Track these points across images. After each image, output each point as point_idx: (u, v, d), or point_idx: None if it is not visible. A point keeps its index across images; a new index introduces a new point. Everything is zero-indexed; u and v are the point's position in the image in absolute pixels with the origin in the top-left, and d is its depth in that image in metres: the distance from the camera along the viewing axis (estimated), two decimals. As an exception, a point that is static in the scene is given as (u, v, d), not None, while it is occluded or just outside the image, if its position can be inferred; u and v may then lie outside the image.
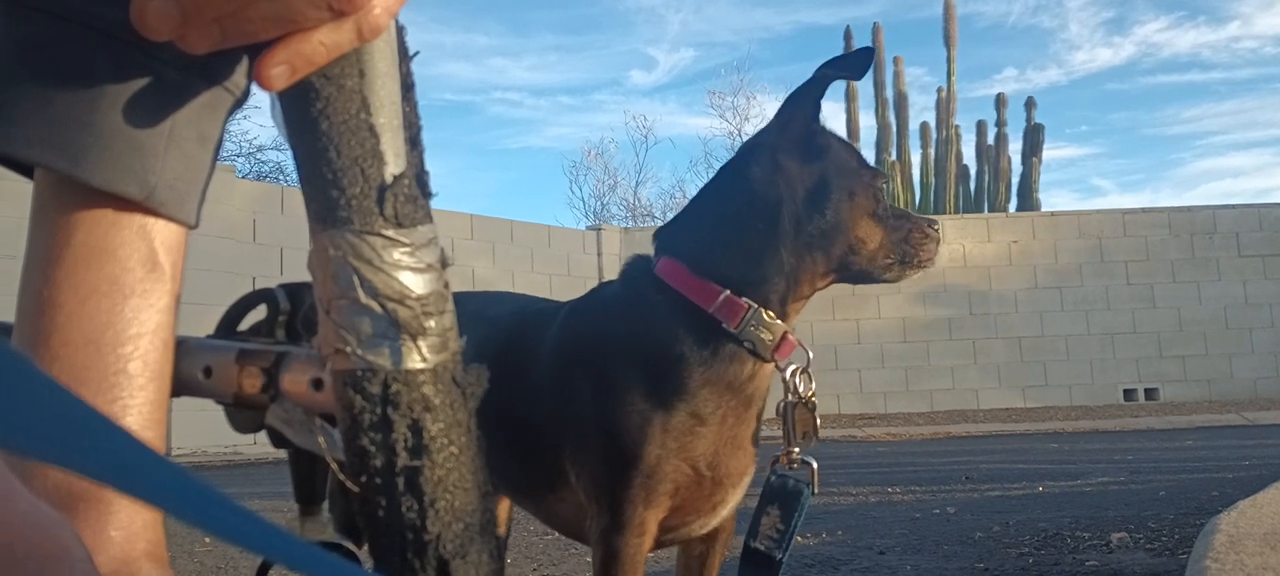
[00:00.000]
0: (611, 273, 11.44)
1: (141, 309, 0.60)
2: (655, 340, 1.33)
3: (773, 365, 1.34)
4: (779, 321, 1.33)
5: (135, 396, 0.59)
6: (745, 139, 1.51)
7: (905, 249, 1.42)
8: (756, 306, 1.32)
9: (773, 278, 1.35)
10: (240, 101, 0.67)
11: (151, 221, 0.61)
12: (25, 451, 0.29)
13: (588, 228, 12.00)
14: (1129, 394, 11.11)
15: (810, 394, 1.40)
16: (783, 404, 1.39)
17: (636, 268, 1.44)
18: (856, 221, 1.40)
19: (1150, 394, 11.11)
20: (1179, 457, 5.54)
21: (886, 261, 1.42)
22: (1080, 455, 6.03)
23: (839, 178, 1.40)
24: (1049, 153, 13.94)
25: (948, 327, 11.22)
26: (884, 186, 1.45)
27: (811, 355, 1.39)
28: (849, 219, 1.39)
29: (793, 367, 1.38)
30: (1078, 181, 36.75)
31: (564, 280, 10.60)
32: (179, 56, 0.57)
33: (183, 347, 0.67)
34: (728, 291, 1.32)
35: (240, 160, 17.38)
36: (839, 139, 1.46)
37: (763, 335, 1.32)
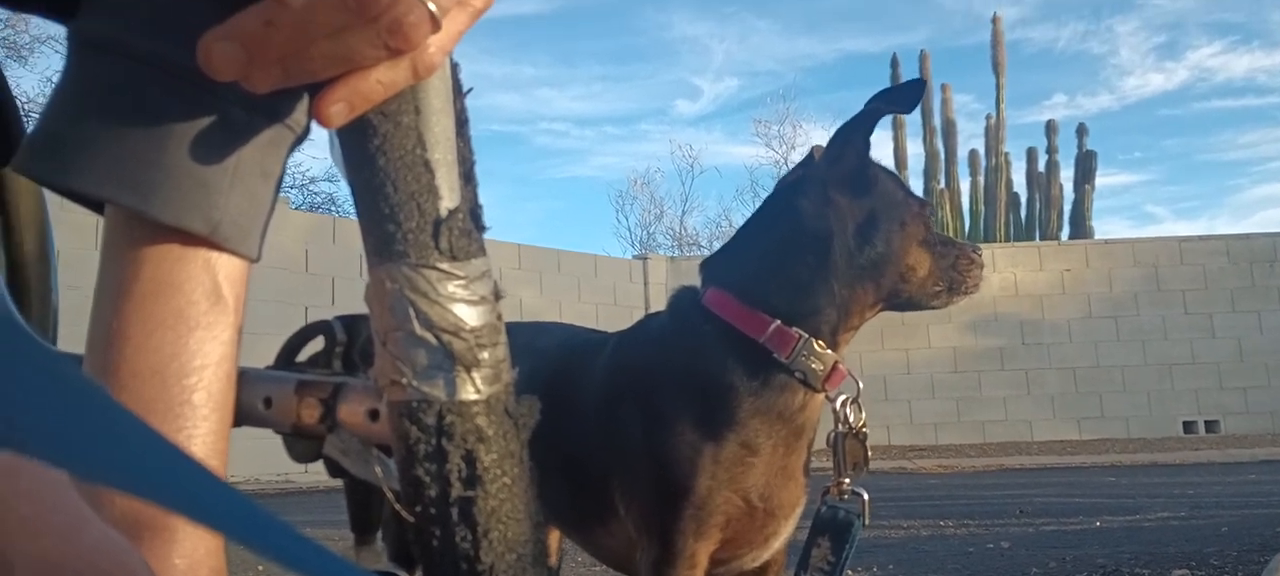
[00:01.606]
0: (658, 302, 11.46)
1: (206, 341, 0.62)
2: (705, 370, 1.33)
3: (823, 395, 1.34)
4: (830, 351, 1.33)
5: (199, 426, 0.61)
6: (789, 169, 1.52)
7: (953, 276, 1.43)
8: (807, 336, 1.32)
9: (824, 308, 1.35)
10: (301, 138, 0.68)
11: (216, 255, 0.63)
12: (102, 480, 0.30)
13: (634, 257, 12.04)
14: (1188, 426, 10.82)
15: (861, 424, 1.39)
16: (833, 434, 1.38)
17: (684, 299, 1.44)
18: (907, 251, 1.41)
19: (1211, 426, 10.81)
20: (1241, 492, 5.38)
21: (935, 288, 1.43)
22: (1138, 489, 5.88)
23: (889, 209, 1.40)
24: (1101, 179, 13.74)
25: (1000, 357, 11.04)
26: (931, 215, 1.46)
27: (861, 385, 1.39)
28: (900, 249, 1.40)
29: (842, 398, 1.38)
30: (1131, 209, 36.01)
31: (610, 309, 10.62)
32: (244, 96, 0.59)
33: (244, 378, 0.68)
34: (778, 321, 1.32)
35: (293, 191, 17.74)
36: (885, 170, 1.46)
37: (814, 365, 1.31)
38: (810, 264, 1.37)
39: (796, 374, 1.31)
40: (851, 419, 1.39)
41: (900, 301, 1.43)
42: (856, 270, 1.38)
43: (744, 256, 1.43)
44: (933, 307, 1.46)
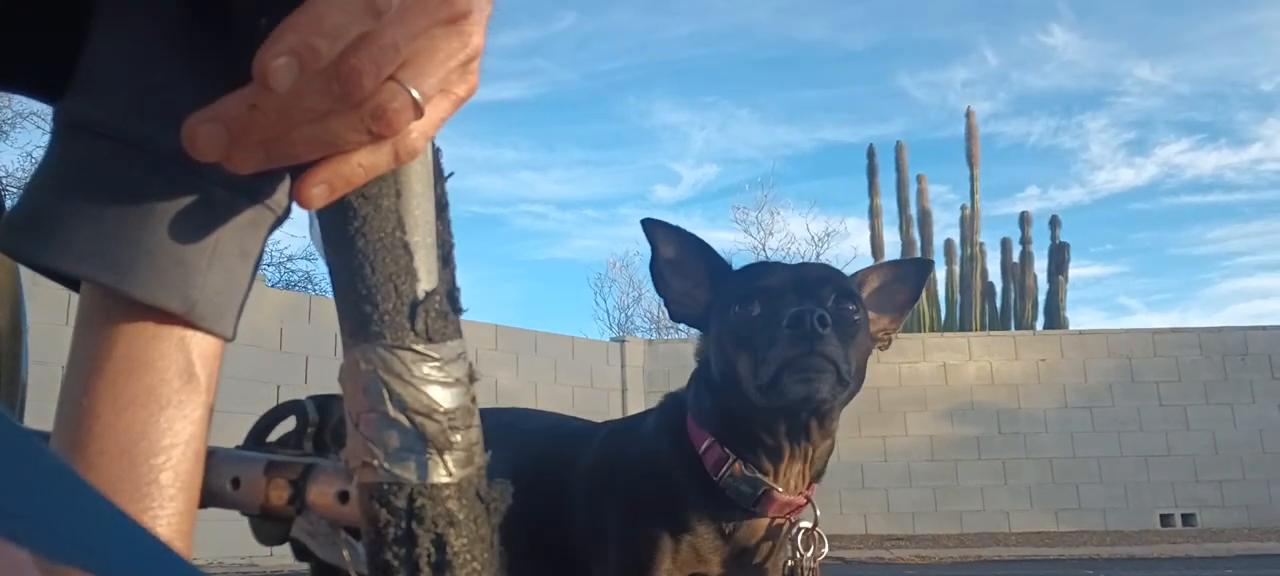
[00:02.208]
0: (635, 384, 11.41)
1: (176, 420, 0.61)
2: (668, 476, 1.35)
3: (768, 519, 1.32)
4: (760, 476, 1.30)
5: (165, 506, 0.60)
6: (769, 254, 1.54)
7: (773, 367, 1.25)
8: (733, 458, 1.31)
9: (735, 432, 1.33)
10: (281, 219, 0.69)
11: (190, 334, 0.63)
12: (66, 559, 0.30)
13: (611, 339, 11.99)
14: (1165, 519, 10.80)
15: (813, 557, 1.33)
16: (785, 567, 1.35)
17: (673, 401, 1.46)
18: (724, 357, 1.32)
19: (1187, 519, 10.79)
20: (1219, 586, 5.35)
21: (763, 383, 1.25)
22: (1116, 582, 5.84)
23: (715, 322, 1.38)
24: (1074, 271, 13.91)
25: (976, 446, 11.03)
26: (752, 306, 1.31)
27: (819, 513, 1.35)
28: (724, 356, 1.32)
29: (801, 527, 1.34)
30: (1104, 300, 36.37)
31: (587, 391, 10.56)
32: (226, 177, 0.59)
33: (212, 458, 0.68)
34: (711, 440, 1.33)
35: (270, 269, 17.67)
36: (731, 276, 1.40)
37: (742, 487, 1.30)
38: (709, 390, 1.38)
39: (728, 493, 1.30)
40: (808, 555, 1.33)
41: (776, 406, 1.28)
42: (725, 394, 1.33)
43: (699, 375, 1.45)
44: (802, 398, 1.25)
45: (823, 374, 1.22)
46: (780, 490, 1.30)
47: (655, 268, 1.42)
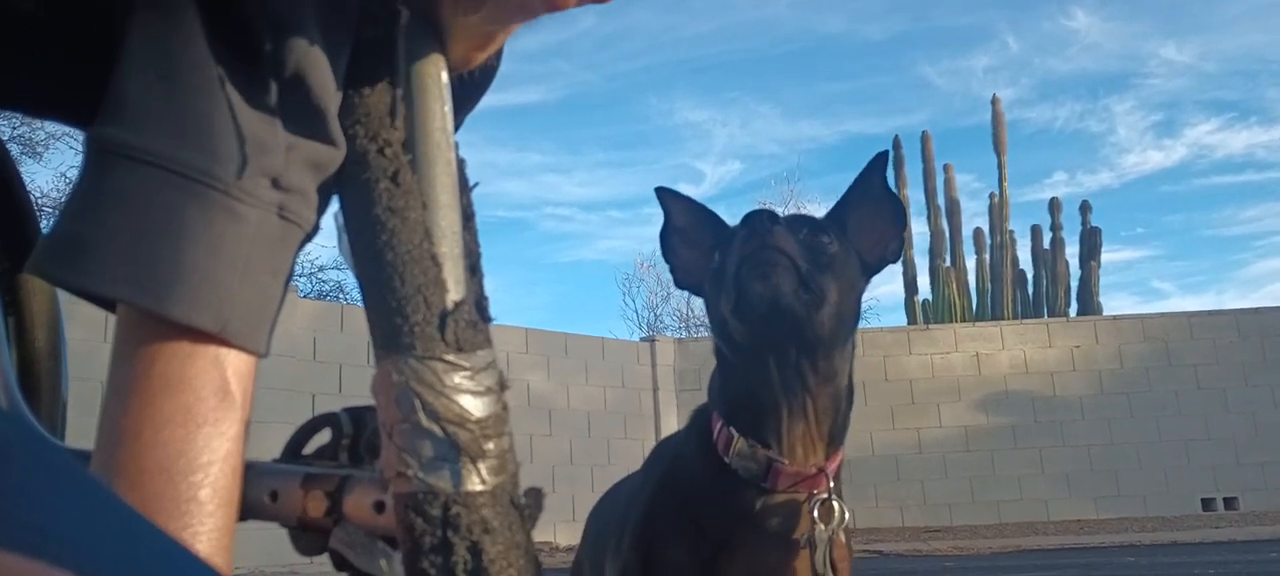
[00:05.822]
0: (666, 383, 11.41)
1: (213, 437, 0.62)
2: (684, 466, 1.38)
3: (791, 498, 1.29)
4: (764, 450, 1.27)
5: (205, 523, 0.61)
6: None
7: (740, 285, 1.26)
8: (736, 434, 1.29)
9: (734, 402, 1.32)
10: (310, 235, 0.70)
11: (225, 352, 0.64)
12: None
13: (641, 339, 11.99)
14: (1207, 503, 10.65)
15: (828, 532, 1.27)
16: (803, 538, 1.30)
17: (699, 409, 1.46)
18: (710, 301, 1.35)
19: (1229, 503, 10.63)
20: (1266, 571, 5.27)
21: (736, 278, 1.25)
22: (1160, 569, 5.77)
23: (707, 280, 1.39)
24: (1106, 256, 13.72)
25: (1012, 435, 10.92)
26: (729, 246, 1.32)
27: (832, 484, 1.31)
28: (711, 305, 1.35)
29: (819, 502, 1.29)
30: (1138, 284, 35.87)
31: (619, 392, 10.58)
32: (257, 195, 0.60)
33: (250, 472, 0.69)
34: (722, 422, 1.32)
35: (302, 280, 17.81)
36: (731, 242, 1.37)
37: (749, 465, 1.28)
38: (719, 368, 1.39)
39: (741, 472, 1.28)
40: (822, 524, 1.27)
41: (757, 341, 1.28)
42: (723, 359, 1.34)
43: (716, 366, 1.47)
44: (765, 313, 1.24)
45: (777, 266, 1.21)
46: (786, 462, 1.27)
47: (665, 236, 1.44)
